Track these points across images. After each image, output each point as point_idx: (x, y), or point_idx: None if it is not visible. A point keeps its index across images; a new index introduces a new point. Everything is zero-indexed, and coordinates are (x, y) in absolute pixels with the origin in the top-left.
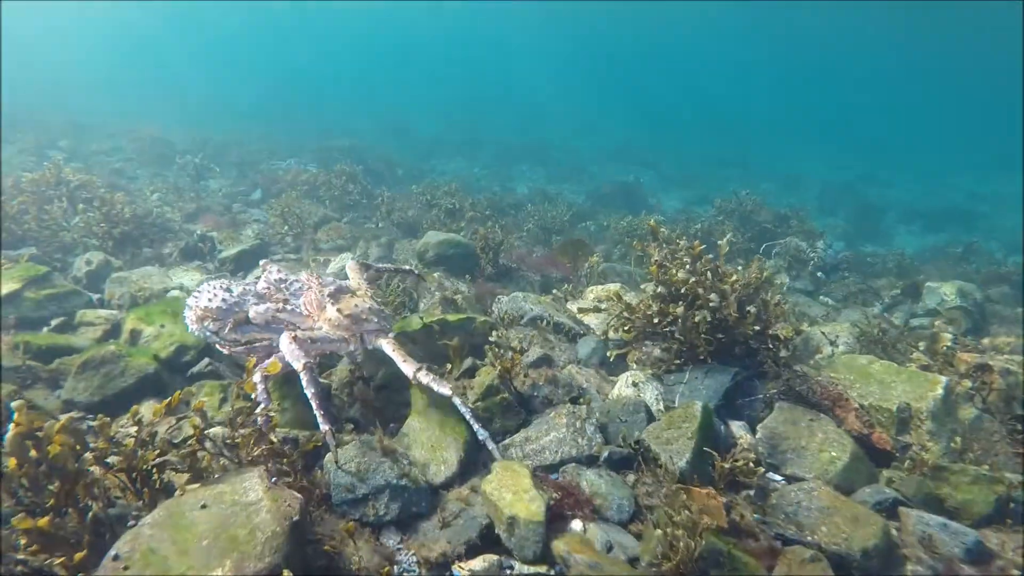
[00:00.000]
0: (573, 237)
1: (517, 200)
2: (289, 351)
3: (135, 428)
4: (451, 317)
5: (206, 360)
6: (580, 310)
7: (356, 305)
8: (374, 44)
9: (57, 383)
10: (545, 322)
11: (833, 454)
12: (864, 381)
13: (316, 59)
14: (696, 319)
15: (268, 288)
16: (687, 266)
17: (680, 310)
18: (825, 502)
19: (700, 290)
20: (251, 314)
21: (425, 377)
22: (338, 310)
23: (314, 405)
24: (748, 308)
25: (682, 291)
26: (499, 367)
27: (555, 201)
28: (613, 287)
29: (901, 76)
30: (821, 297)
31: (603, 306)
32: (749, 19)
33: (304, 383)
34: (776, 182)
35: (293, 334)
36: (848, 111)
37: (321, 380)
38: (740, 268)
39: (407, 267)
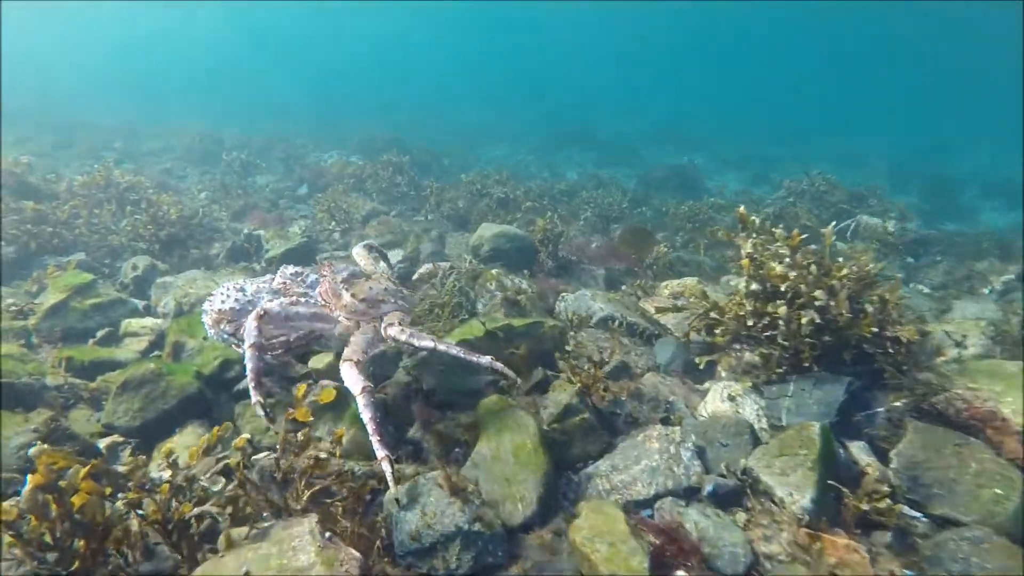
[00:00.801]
0: (633, 224)
1: (569, 186)
2: (348, 375)
3: (169, 473)
4: (516, 322)
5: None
6: (658, 309)
7: (371, 288)
8: (411, 38)
9: (100, 403)
10: (617, 323)
11: (997, 491)
12: (1018, 394)
13: (357, 54)
14: (803, 321)
15: (284, 283)
16: (785, 259)
17: (783, 310)
18: (1004, 559)
19: (803, 286)
20: (272, 308)
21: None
22: (352, 295)
23: (370, 430)
24: (864, 306)
25: (781, 288)
26: (578, 383)
27: (609, 187)
28: (690, 281)
29: (957, 46)
30: (914, 285)
31: (683, 304)
32: None
33: (360, 407)
34: (832, 161)
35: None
36: (907, 84)
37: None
38: (843, 259)
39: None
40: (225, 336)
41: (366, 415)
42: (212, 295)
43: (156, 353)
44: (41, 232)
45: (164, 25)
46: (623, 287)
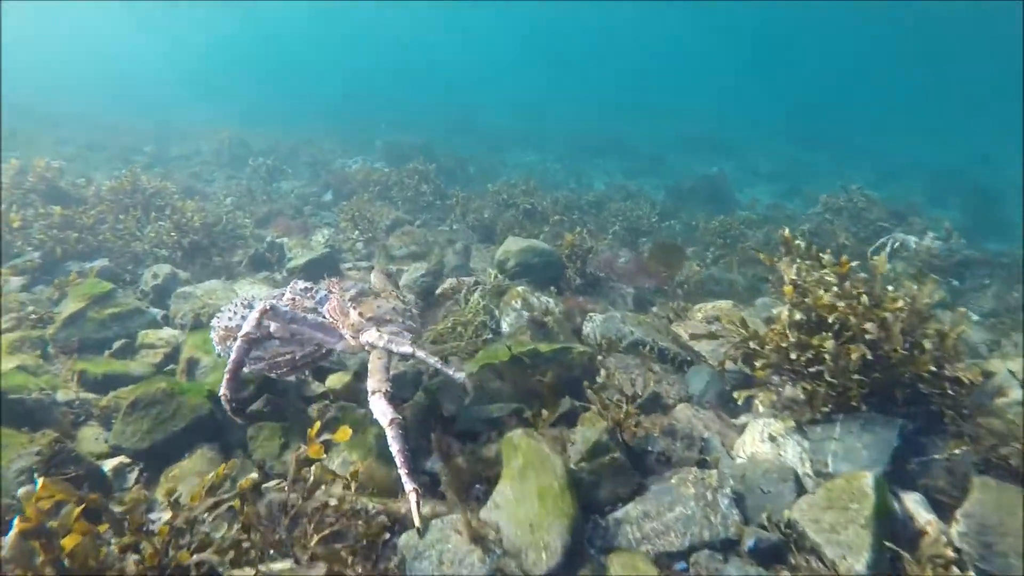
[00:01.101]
0: (663, 240)
1: (596, 197)
2: (377, 406)
3: (170, 514)
4: (543, 347)
5: (265, 397)
6: (692, 336)
7: (378, 306)
8: (439, 41)
9: (110, 420)
10: (648, 348)
11: None
12: None
13: (388, 57)
14: (852, 356)
15: (294, 299)
16: (833, 287)
17: (830, 344)
18: None
19: (852, 318)
20: (272, 328)
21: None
22: (359, 313)
23: (399, 463)
24: (920, 342)
25: (828, 319)
26: (609, 419)
27: (638, 198)
28: (725, 305)
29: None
30: (960, 309)
31: (719, 331)
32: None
33: (389, 439)
34: (867, 171)
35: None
36: (945, 92)
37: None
38: (894, 288)
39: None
40: (231, 353)
41: (395, 447)
42: (221, 311)
43: (171, 367)
44: (67, 237)
45: (198, 29)
46: (653, 308)
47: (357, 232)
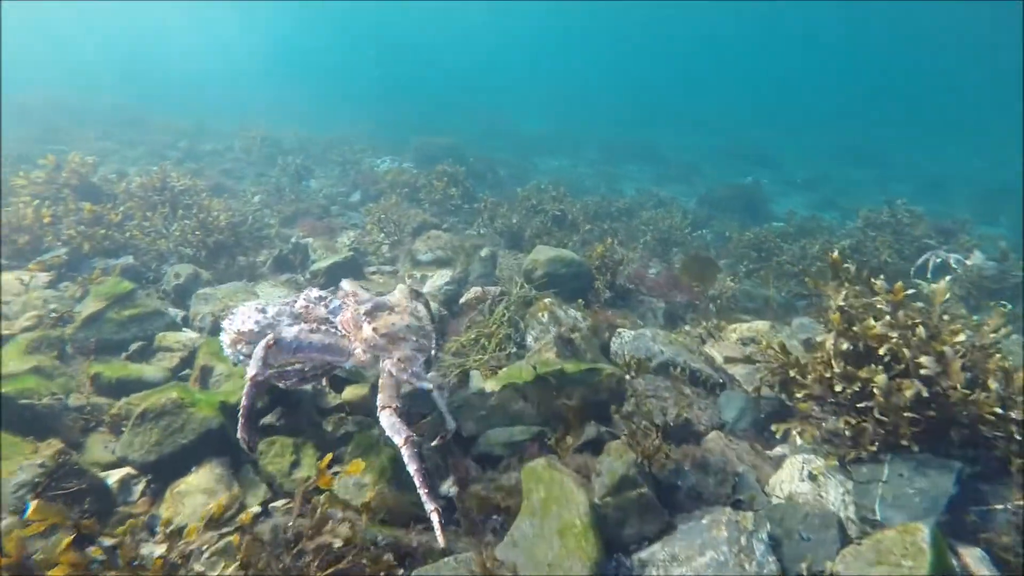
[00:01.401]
0: (696, 252)
1: (627, 204)
2: (388, 423)
3: (164, 546)
4: (569, 367)
5: (278, 410)
6: (727, 360)
7: (393, 323)
8: (475, 41)
9: (121, 427)
10: (679, 369)
11: None
12: None
13: (420, 58)
14: (906, 393)
15: (306, 307)
16: (885, 316)
17: (881, 379)
18: None
19: (905, 350)
20: (285, 336)
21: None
22: (374, 329)
23: (418, 483)
24: (983, 379)
25: (879, 351)
26: (639, 452)
27: (669, 206)
28: (762, 326)
29: None
30: (1017, 337)
31: (756, 356)
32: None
33: (406, 459)
34: (908, 183)
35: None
36: (998, 104)
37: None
38: (948, 316)
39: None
40: (241, 357)
41: (412, 466)
42: (233, 313)
43: (187, 371)
44: (95, 233)
45: (234, 24)
46: (686, 326)
47: (383, 235)
